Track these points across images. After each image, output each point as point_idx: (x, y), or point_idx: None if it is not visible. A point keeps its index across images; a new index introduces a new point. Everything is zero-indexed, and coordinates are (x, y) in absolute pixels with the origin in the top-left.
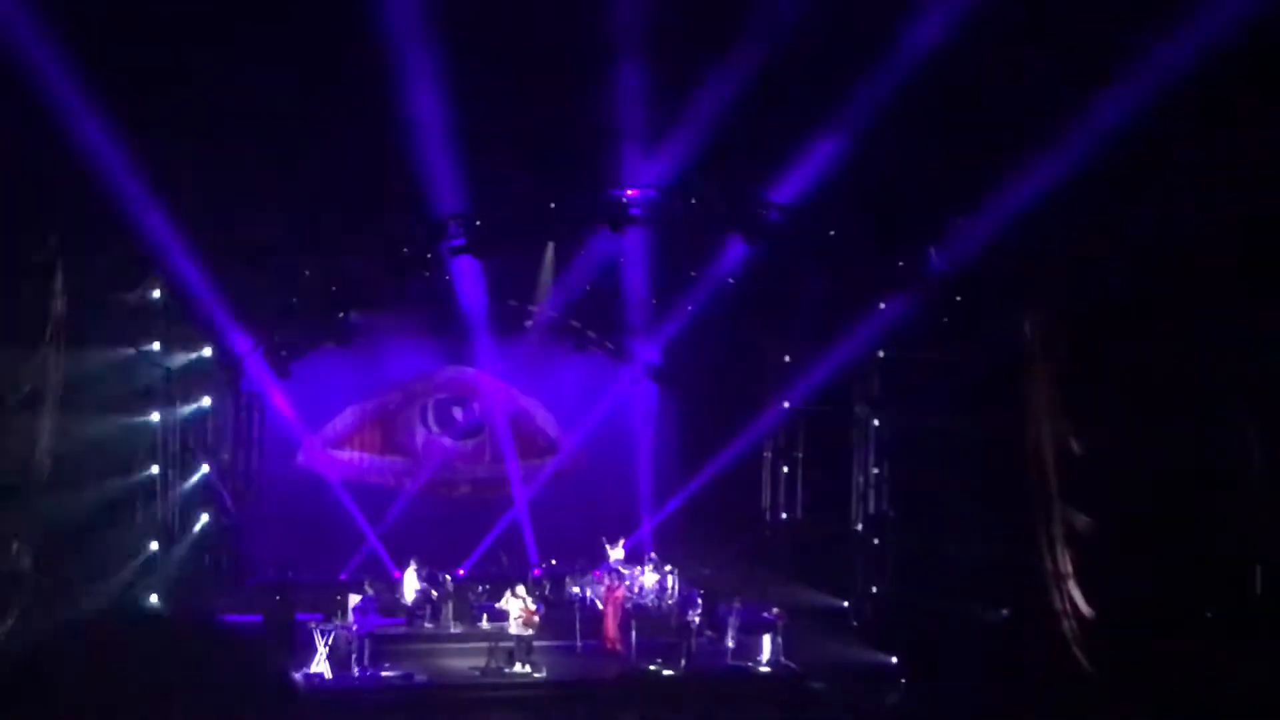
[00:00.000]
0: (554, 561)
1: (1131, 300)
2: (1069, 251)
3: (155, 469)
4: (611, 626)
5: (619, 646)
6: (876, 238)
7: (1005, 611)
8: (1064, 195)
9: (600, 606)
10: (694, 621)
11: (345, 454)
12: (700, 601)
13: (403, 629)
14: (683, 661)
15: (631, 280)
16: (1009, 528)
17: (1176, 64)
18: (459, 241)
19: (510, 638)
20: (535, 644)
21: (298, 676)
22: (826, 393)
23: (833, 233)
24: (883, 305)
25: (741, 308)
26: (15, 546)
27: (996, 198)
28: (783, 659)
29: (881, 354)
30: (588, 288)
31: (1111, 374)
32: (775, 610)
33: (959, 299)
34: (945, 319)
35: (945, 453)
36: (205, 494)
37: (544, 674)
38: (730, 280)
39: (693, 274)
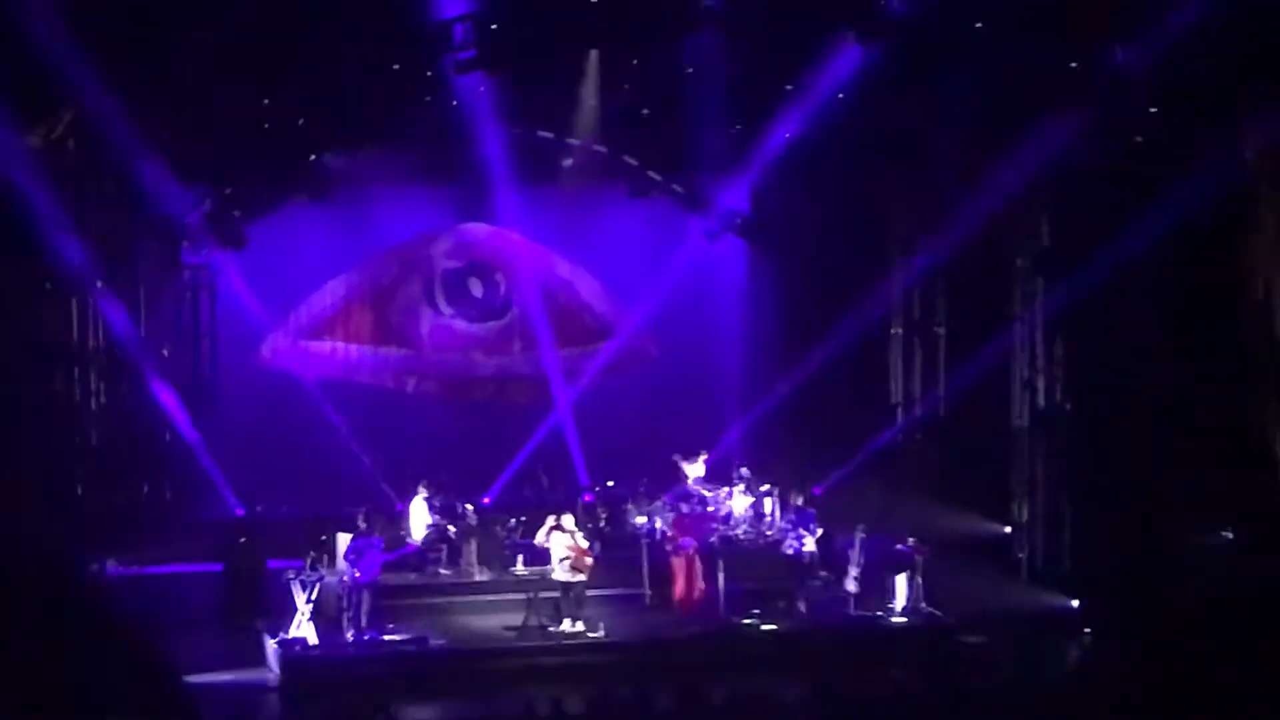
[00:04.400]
0: (611, 483)
1: None
2: None
3: (71, 373)
4: (684, 579)
5: (696, 596)
6: (1042, 31)
7: (1228, 534)
8: None
9: (669, 542)
10: (802, 558)
11: (325, 346)
12: (811, 532)
13: (413, 576)
14: (792, 610)
15: (706, 100)
16: (1229, 419)
17: None
18: (469, 53)
19: (555, 586)
20: (589, 594)
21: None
22: (976, 245)
23: (980, 25)
24: (1051, 123)
25: (857, 133)
26: None
27: None
28: (924, 605)
29: (1050, 190)
30: (646, 112)
31: None
32: (912, 541)
33: (1154, 111)
34: (1138, 139)
35: (1139, 321)
36: (140, 405)
37: (602, 633)
38: (840, 96)
39: (789, 88)
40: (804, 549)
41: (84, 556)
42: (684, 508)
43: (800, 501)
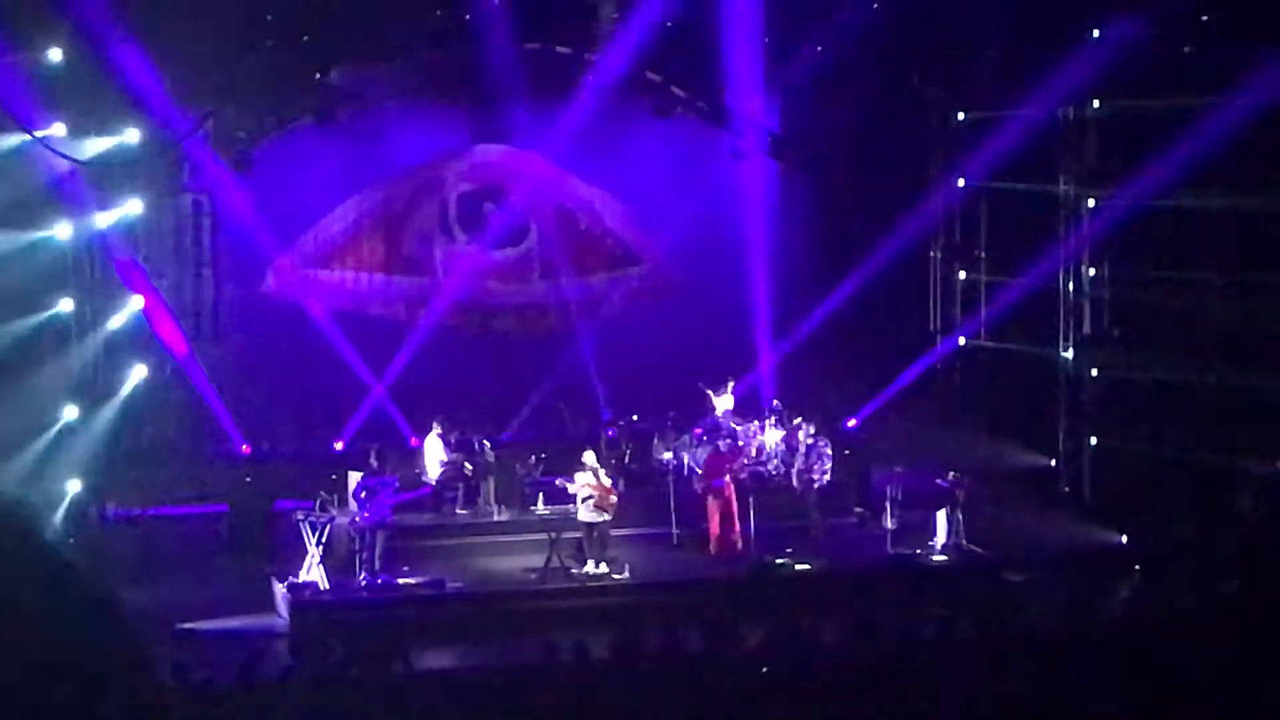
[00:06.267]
0: (636, 417)
1: None
2: None
3: (67, 304)
4: (721, 522)
5: (735, 544)
6: None
7: None
8: None
9: (702, 479)
10: (817, 489)
11: (334, 274)
12: (828, 462)
13: (428, 517)
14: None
15: (734, 11)
16: None
17: None
18: None
19: (578, 526)
20: (613, 534)
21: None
22: (1019, 163)
23: None
24: (1098, 32)
25: (894, 44)
26: None
27: None
28: (965, 543)
29: (1098, 104)
30: (670, 24)
31: None
32: (952, 476)
33: (1206, 19)
34: (1188, 49)
35: (1193, 243)
36: (141, 337)
37: (627, 575)
38: (875, 4)
39: None
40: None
41: (79, 497)
42: (721, 445)
43: (812, 431)
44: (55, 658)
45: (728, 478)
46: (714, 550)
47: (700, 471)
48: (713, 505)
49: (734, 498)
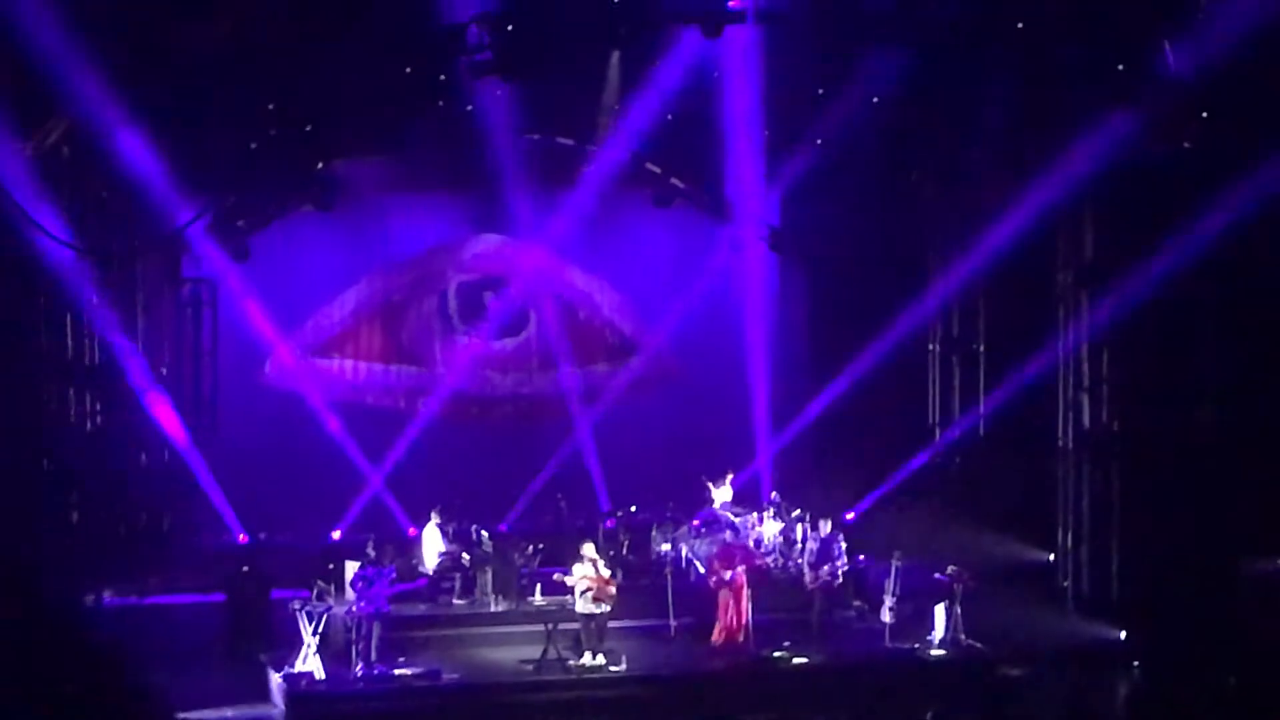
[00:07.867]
0: (634, 508)
1: None
2: None
3: (65, 392)
4: (733, 615)
5: (737, 636)
6: (1086, 30)
7: None
8: None
9: (703, 571)
10: (836, 587)
11: (333, 364)
12: (844, 559)
13: (425, 607)
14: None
15: (734, 105)
16: None
17: None
18: (484, 56)
19: (576, 617)
20: (611, 625)
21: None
22: (1018, 258)
23: (1023, 25)
24: (1094, 129)
25: (894, 140)
26: None
27: None
28: (963, 637)
29: (1093, 200)
30: (671, 117)
31: None
32: (951, 569)
33: (1206, 116)
34: (1187, 145)
35: (1191, 339)
36: (138, 426)
37: (624, 667)
38: (875, 100)
39: (821, 92)
40: (835, 578)
41: (78, 586)
42: (728, 537)
43: (828, 528)
44: None
45: (740, 570)
46: (716, 641)
47: (705, 565)
48: (724, 597)
49: (745, 591)
